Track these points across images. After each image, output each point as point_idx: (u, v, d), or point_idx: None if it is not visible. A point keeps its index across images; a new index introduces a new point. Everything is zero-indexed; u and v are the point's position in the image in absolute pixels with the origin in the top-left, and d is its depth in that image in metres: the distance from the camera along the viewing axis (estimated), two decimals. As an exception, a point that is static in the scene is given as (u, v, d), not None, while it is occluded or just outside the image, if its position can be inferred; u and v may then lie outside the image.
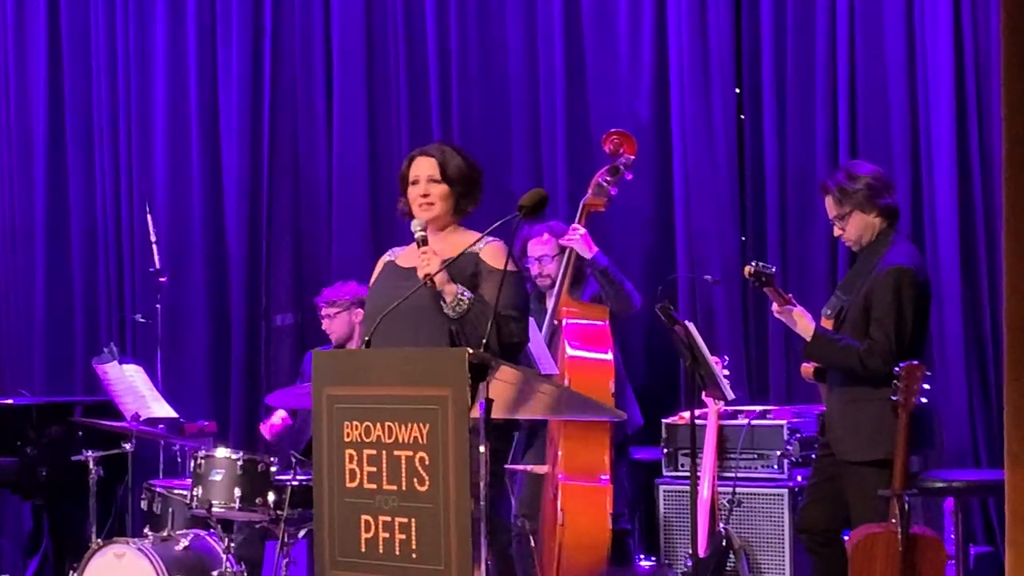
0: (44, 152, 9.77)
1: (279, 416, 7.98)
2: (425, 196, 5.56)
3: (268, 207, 9.37)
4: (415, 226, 5.46)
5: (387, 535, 4.33)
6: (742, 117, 8.39)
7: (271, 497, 6.95)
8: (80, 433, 8.12)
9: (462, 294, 5.32)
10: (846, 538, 6.10)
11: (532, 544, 7.00)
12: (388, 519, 4.33)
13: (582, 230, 7.19)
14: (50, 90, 9.81)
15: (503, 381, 4.39)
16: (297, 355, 8.93)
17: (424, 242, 5.41)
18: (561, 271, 7.22)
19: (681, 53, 8.35)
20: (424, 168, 5.60)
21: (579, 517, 6.84)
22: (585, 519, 6.85)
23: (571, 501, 6.82)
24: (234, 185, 9.37)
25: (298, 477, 7.05)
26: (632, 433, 7.46)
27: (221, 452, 7.05)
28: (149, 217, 8.58)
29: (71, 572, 7.16)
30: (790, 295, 6.21)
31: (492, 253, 5.44)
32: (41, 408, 8.51)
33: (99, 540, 7.23)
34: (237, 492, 6.91)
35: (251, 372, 9.31)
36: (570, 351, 6.95)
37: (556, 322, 7.08)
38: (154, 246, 8.45)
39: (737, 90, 8.38)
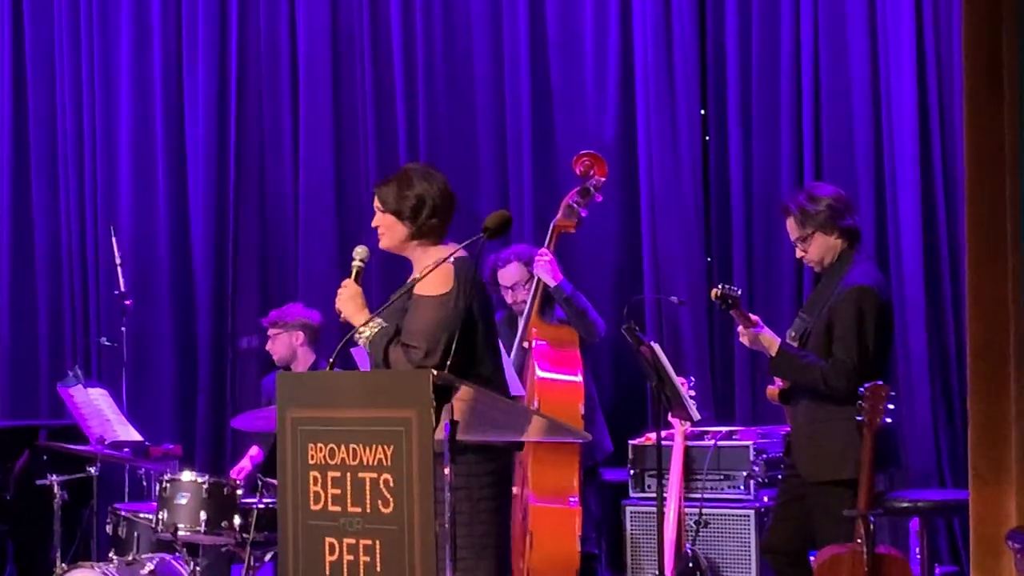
0: (8, 175, 9.75)
1: (247, 459, 7.98)
2: (376, 227, 5.57)
3: (234, 229, 9.35)
4: (357, 256, 5.50)
5: (351, 557, 4.31)
6: (707, 138, 8.42)
7: (237, 520, 6.92)
8: (45, 457, 8.08)
9: (364, 326, 5.33)
10: (812, 558, 6.10)
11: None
12: (352, 541, 4.32)
13: (547, 256, 7.20)
14: (15, 113, 9.79)
15: (468, 402, 4.38)
16: (262, 378, 8.91)
17: (358, 274, 5.45)
18: (530, 296, 7.23)
19: (647, 74, 8.38)
20: (375, 200, 5.59)
21: (548, 539, 6.84)
22: (554, 541, 6.85)
23: (540, 523, 6.82)
24: (200, 207, 9.36)
25: (264, 500, 7.04)
26: (602, 459, 7.47)
27: (187, 475, 7.02)
28: (114, 240, 8.55)
29: (37, 597, 7.14)
30: (756, 317, 6.23)
31: (425, 280, 5.35)
32: (5, 432, 8.48)
33: (64, 564, 7.19)
34: (203, 515, 6.88)
35: (217, 395, 9.29)
36: (540, 372, 6.95)
37: (526, 345, 7.09)
38: (119, 268, 8.42)
39: (702, 111, 8.41)
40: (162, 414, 9.27)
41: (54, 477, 7.48)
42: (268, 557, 7.12)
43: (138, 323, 8.97)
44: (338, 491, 4.35)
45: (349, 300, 5.45)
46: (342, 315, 5.45)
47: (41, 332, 9.67)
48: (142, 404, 8.89)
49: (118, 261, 8.44)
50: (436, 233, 5.51)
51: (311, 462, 4.42)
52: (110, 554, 7.32)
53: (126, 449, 7.72)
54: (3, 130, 9.77)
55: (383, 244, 5.57)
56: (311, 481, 4.41)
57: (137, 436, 7.81)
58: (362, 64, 9.14)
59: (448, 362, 5.01)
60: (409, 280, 5.39)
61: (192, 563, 7.04)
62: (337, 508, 4.35)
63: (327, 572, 4.36)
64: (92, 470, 7.54)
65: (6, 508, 8.20)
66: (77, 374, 7.93)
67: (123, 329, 8.45)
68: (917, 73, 7.82)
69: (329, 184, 9.18)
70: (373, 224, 5.57)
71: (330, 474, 4.37)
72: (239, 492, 7.03)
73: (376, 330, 5.34)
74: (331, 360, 4.77)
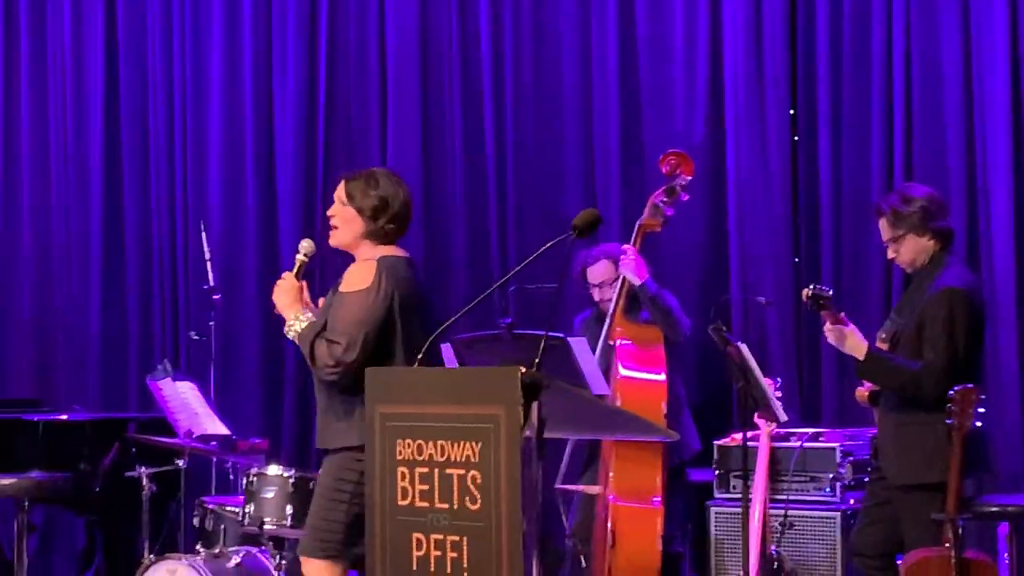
0: (100, 171, 9.85)
1: None
2: (331, 218, 5.65)
3: (321, 226, 9.38)
4: (301, 249, 5.65)
5: (439, 553, 4.32)
6: (796, 139, 8.37)
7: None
8: (133, 449, 8.15)
9: (294, 320, 5.46)
10: (899, 562, 6.06)
11: (583, 565, 6.99)
12: (440, 537, 4.32)
13: (632, 255, 7.18)
14: (106, 109, 9.89)
15: (554, 400, 4.38)
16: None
17: (300, 269, 5.57)
18: (615, 294, 7.21)
19: (736, 74, 8.34)
20: (337, 191, 5.66)
21: (629, 539, 6.82)
22: (635, 541, 6.83)
23: (621, 522, 6.80)
24: (288, 203, 9.42)
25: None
26: (689, 458, 7.44)
27: (273, 469, 7.06)
28: (204, 235, 8.62)
29: (124, 587, 7.21)
30: (844, 316, 6.18)
31: (347, 277, 5.50)
32: (96, 424, 8.55)
33: (151, 556, 7.26)
34: (289, 509, 6.92)
35: (303, 389, 9.32)
36: (623, 371, 6.94)
37: (610, 343, 7.08)
38: (208, 263, 8.49)
39: (792, 111, 8.36)
40: (249, 408, 9.33)
41: (143, 469, 7.56)
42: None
43: (226, 317, 9.03)
44: (426, 487, 4.36)
45: (284, 293, 5.58)
46: (275, 307, 5.57)
47: (131, 326, 9.77)
48: (229, 398, 8.95)
49: (207, 256, 8.51)
50: (388, 238, 5.60)
51: (399, 458, 4.43)
52: (197, 546, 7.39)
53: (213, 443, 7.78)
54: (95, 126, 9.88)
55: (335, 239, 5.65)
56: (399, 477, 4.42)
57: (224, 430, 7.87)
58: (450, 66, 9.15)
59: (366, 356, 5.25)
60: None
61: (278, 557, 7.09)
62: (425, 504, 4.36)
63: (414, 568, 4.37)
64: (180, 463, 7.61)
65: (95, 499, 8.27)
66: (166, 367, 8.00)
67: (211, 323, 8.51)
68: (1011, 73, 7.73)
69: (416, 185, 9.19)
70: (329, 213, 5.64)
71: (418, 470, 4.38)
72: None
73: (305, 324, 5.46)
74: (419, 356, 4.79)
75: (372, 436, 4.50)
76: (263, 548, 7.18)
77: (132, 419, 8.59)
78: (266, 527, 6.96)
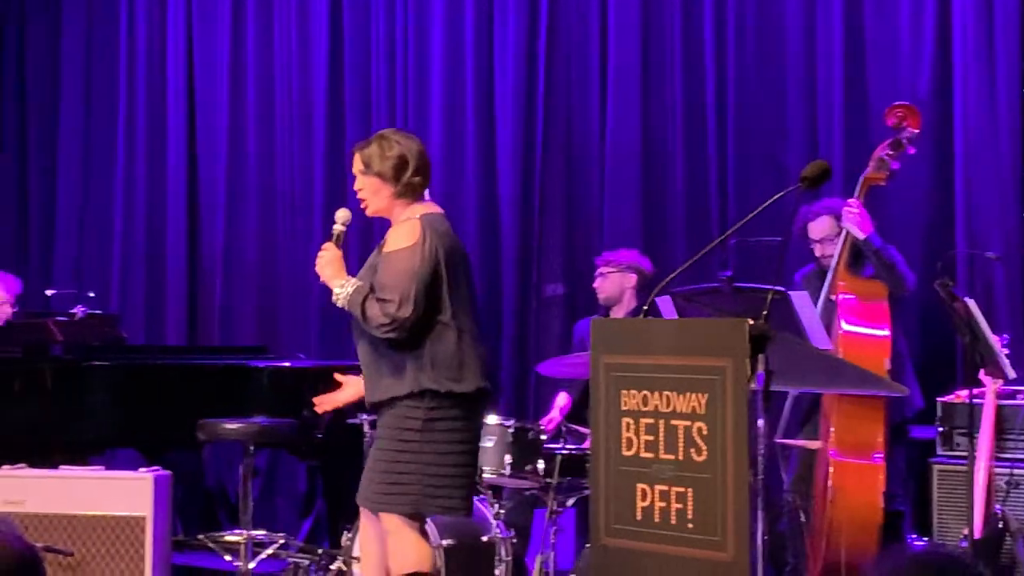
0: (324, 131, 9.98)
1: (557, 410, 8.05)
2: (358, 191, 5.78)
3: (541, 181, 9.43)
4: (339, 219, 5.79)
5: (663, 504, 4.32)
6: (1026, 89, 8.18)
7: (540, 465, 7.01)
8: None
9: (341, 287, 5.62)
10: None
11: (803, 520, 6.93)
12: (664, 488, 4.32)
13: (856, 208, 7.07)
14: (330, 68, 10.01)
15: (780, 353, 4.35)
16: (567, 325, 8.98)
17: (339, 238, 5.71)
18: (838, 248, 7.12)
19: (965, 25, 8.16)
20: (354, 164, 5.78)
21: (850, 495, 6.74)
22: (856, 497, 6.75)
23: (842, 478, 6.73)
24: (508, 159, 9.46)
25: (568, 446, 7.11)
26: (911, 415, 7.33)
27: (492, 419, 7.12)
28: (426, 192, 8.67)
29: (344, 532, 7.32)
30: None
31: (390, 237, 5.67)
32: (318, 371, 8.67)
33: (373, 502, 7.36)
34: (507, 459, 6.99)
35: (521, 341, 9.40)
36: (845, 326, 6.84)
37: (832, 298, 6.99)
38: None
39: (1022, 61, 8.15)
40: (467, 359, 9.40)
41: (364, 416, 7.66)
42: (571, 502, 7.20)
43: (446, 271, 9.10)
44: (651, 438, 4.36)
45: (327, 263, 5.70)
46: (321, 278, 5.70)
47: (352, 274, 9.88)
48: (449, 349, 9.03)
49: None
50: (417, 191, 5.73)
51: (624, 408, 4.44)
52: (417, 494, 7.48)
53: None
54: (319, 84, 10.00)
55: (369, 210, 5.80)
56: (623, 427, 4.43)
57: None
58: (672, 15, 9.09)
59: (420, 310, 5.47)
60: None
61: (496, 505, 7.15)
62: (649, 455, 4.37)
63: (638, 518, 4.38)
64: (401, 411, 7.70)
65: (318, 445, 8.40)
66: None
67: (432, 276, 8.58)
68: None
69: (636, 138, 9.17)
70: (356, 187, 5.76)
71: (643, 421, 4.39)
72: (543, 437, 7.11)
73: (351, 289, 5.60)
74: (644, 308, 4.79)
75: (596, 386, 4.51)
76: (482, 496, 7.25)
77: (354, 366, 8.68)
78: (485, 476, 7.04)
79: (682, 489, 4.28)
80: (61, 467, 7.60)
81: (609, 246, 8.71)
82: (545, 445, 7.07)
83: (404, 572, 5.64)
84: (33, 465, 7.63)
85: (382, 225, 5.93)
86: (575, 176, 9.44)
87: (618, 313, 8.05)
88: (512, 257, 9.44)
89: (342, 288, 5.64)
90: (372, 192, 5.73)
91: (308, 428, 8.33)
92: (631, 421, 4.41)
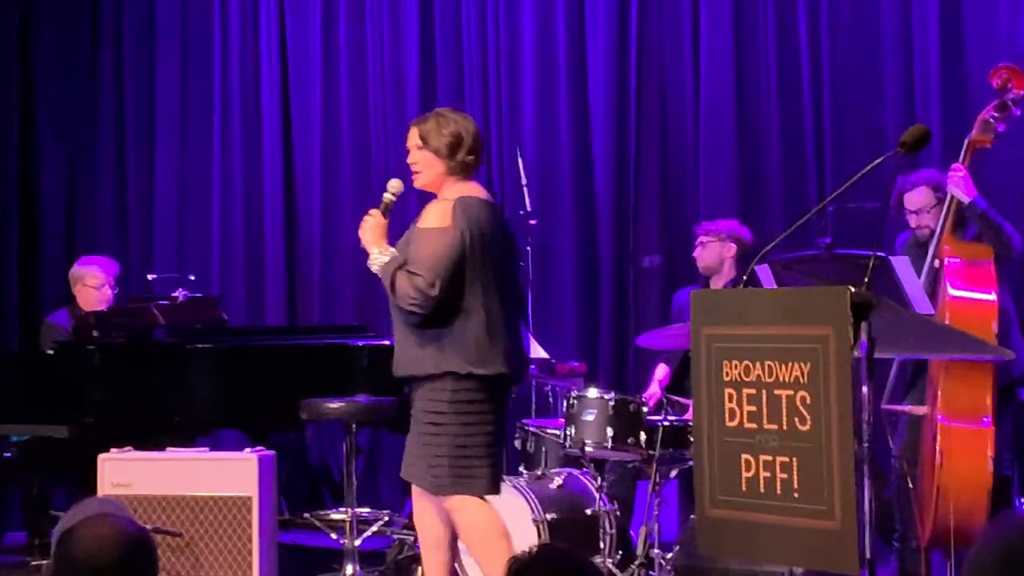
0: (417, 98, 9.99)
1: (656, 384, 8.02)
2: (412, 165, 5.94)
3: (635, 148, 9.40)
4: (389, 189, 5.96)
5: (768, 474, 4.30)
6: None
7: (643, 437, 6.99)
8: (455, 373, 8.27)
9: (378, 254, 5.82)
10: None
11: (911, 487, 6.87)
12: (769, 458, 4.30)
13: (961, 172, 6.99)
14: (422, 44, 10.01)
15: (883, 319, 4.31)
16: (665, 295, 8.95)
17: (387, 207, 5.89)
18: (943, 213, 7.04)
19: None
20: (410, 138, 5.94)
21: (958, 460, 6.67)
22: (964, 462, 6.67)
23: (950, 443, 6.65)
24: (601, 126, 9.44)
25: (669, 417, 7.09)
26: (1020, 378, 7.23)
27: (593, 392, 7.13)
28: (520, 160, 8.69)
29: (449, 509, 7.34)
30: None
31: (425, 214, 5.87)
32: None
33: (475, 478, 7.38)
34: (609, 432, 6.98)
35: (620, 313, 9.38)
36: (951, 291, 6.76)
37: (937, 263, 6.92)
38: (525, 189, 8.56)
39: None
40: (566, 331, 9.41)
41: (464, 393, 7.69)
42: (673, 474, 7.18)
43: (542, 242, 9.10)
44: (754, 408, 4.34)
45: (370, 229, 5.90)
46: (362, 242, 5.90)
47: (450, 253, 9.90)
48: (547, 321, 9.04)
49: (524, 182, 8.57)
50: (469, 169, 5.94)
51: (726, 379, 4.42)
52: (519, 468, 7.50)
53: (532, 366, 7.87)
54: (411, 54, 10.01)
55: (419, 182, 5.96)
56: (726, 398, 4.41)
57: (543, 354, 7.95)
58: (764, -23, 9.05)
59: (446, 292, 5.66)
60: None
61: (599, 478, 7.15)
62: (753, 425, 4.35)
63: (743, 489, 4.36)
64: (502, 387, 7.72)
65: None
66: (485, 293, 8.10)
67: (528, 249, 8.59)
68: None
69: (729, 102, 9.12)
70: (409, 161, 5.93)
71: (745, 391, 4.36)
72: (644, 409, 7.10)
73: (387, 258, 5.80)
74: (744, 277, 4.77)
75: (698, 358, 4.49)
76: (584, 470, 7.26)
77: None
78: (587, 449, 7.03)
79: (787, 459, 4.26)
80: (167, 449, 7.69)
81: (705, 215, 8.67)
82: (647, 417, 7.05)
83: (473, 539, 5.92)
84: (140, 448, 7.72)
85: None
86: (669, 145, 9.40)
87: (717, 283, 8.02)
88: (608, 228, 9.42)
89: (379, 255, 5.83)
90: (425, 166, 5.91)
91: (408, 405, 8.34)
92: (734, 392, 4.39)
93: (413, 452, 5.91)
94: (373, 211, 5.93)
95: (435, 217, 5.81)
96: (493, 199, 6.09)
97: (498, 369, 5.79)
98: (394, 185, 5.98)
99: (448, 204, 5.80)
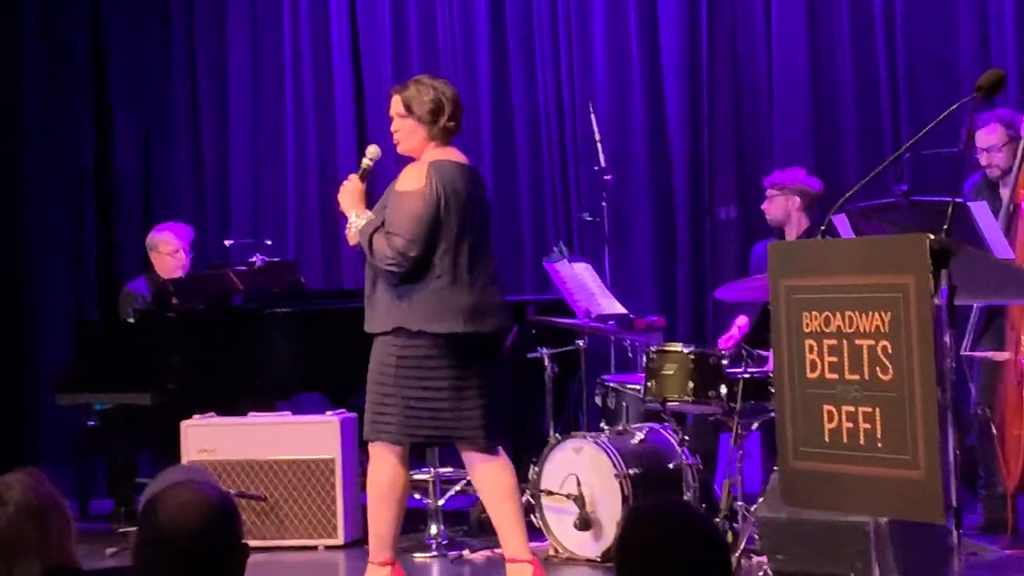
0: (488, 55, 9.95)
1: (736, 328, 7.99)
2: (395, 132, 6.16)
3: (708, 101, 9.35)
4: (368, 154, 6.22)
5: (851, 425, 4.28)
6: None
7: (723, 390, 6.97)
8: (534, 331, 8.27)
9: (355, 218, 6.06)
10: None
11: (992, 432, 6.83)
12: (851, 409, 4.28)
13: (1033, 112, 6.92)
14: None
15: (963, 266, 4.27)
16: (743, 248, 8.92)
17: (364, 172, 6.15)
18: (1019, 155, 6.96)
19: None
20: (393, 106, 6.17)
21: (1043, 404, 6.64)
22: (1048, 406, 6.64)
23: (1035, 388, 6.61)
24: (674, 80, 9.38)
25: (749, 370, 7.06)
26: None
27: (672, 346, 7.11)
28: (593, 115, 8.66)
29: (531, 467, 7.36)
30: None
31: (402, 177, 6.09)
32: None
33: (556, 435, 7.40)
34: (690, 385, 6.96)
35: (696, 266, 9.35)
36: (1030, 232, 6.71)
37: (1012, 206, 6.85)
38: (599, 144, 8.53)
39: None
40: (643, 286, 9.39)
41: (544, 350, 7.70)
42: (755, 426, 7.15)
43: (617, 197, 9.08)
44: (835, 359, 4.32)
45: (348, 194, 6.15)
46: (340, 206, 6.15)
47: (523, 210, 9.90)
48: (624, 277, 9.02)
49: (597, 137, 8.54)
50: (449, 135, 6.14)
51: (806, 330, 4.39)
52: (600, 424, 7.51)
53: (611, 322, 7.87)
54: (481, 11, 9.97)
55: (401, 148, 6.19)
56: (807, 349, 4.39)
57: (621, 309, 7.94)
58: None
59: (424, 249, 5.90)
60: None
61: (680, 432, 7.14)
62: (834, 376, 4.32)
63: (826, 440, 4.34)
64: (580, 343, 7.73)
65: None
66: (562, 249, 8.10)
67: (603, 204, 8.57)
68: None
69: (802, 52, 9.05)
70: (392, 129, 6.14)
71: (826, 342, 4.34)
72: (724, 362, 7.07)
73: (364, 220, 6.02)
74: (822, 228, 4.73)
75: (777, 309, 4.47)
76: (666, 424, 7.25)
77: (531, 301, 8.72)
78: (668, 403, 7.02)
79: (869, 409, 4.24)
80: (249, 414, 7.74)
81: (779, 164, 8.61)
82: (727, 370, 7.03)
83: (373, 491, 6.16)
84: (222, 414, 7.78)
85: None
86: (742, 95, 9.35)
87: (790, 234, 7.95)
88: (683, 181, 9.39)
89: (356, 219, 6.07)
90: (408, 133, 6.14)
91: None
92: (814, 343, 4.37)
93: (368, 406, 6.19)
94: (352, 176, 6.19)
95: (411, 180, 6.03)
96: (469, 163, 6.29)
97: (453, 328, 5.99)
98: (372, 151, 6.24)
99: (423, 167, 6.02)
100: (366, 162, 6.23)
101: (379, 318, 6.09)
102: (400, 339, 6.02)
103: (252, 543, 3.20)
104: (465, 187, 6.09)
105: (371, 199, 6.25)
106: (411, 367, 6.02)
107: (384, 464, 6.14)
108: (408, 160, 6.20)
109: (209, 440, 7.62)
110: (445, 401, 6.07)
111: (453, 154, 6.15)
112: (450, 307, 6.00)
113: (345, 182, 6.19)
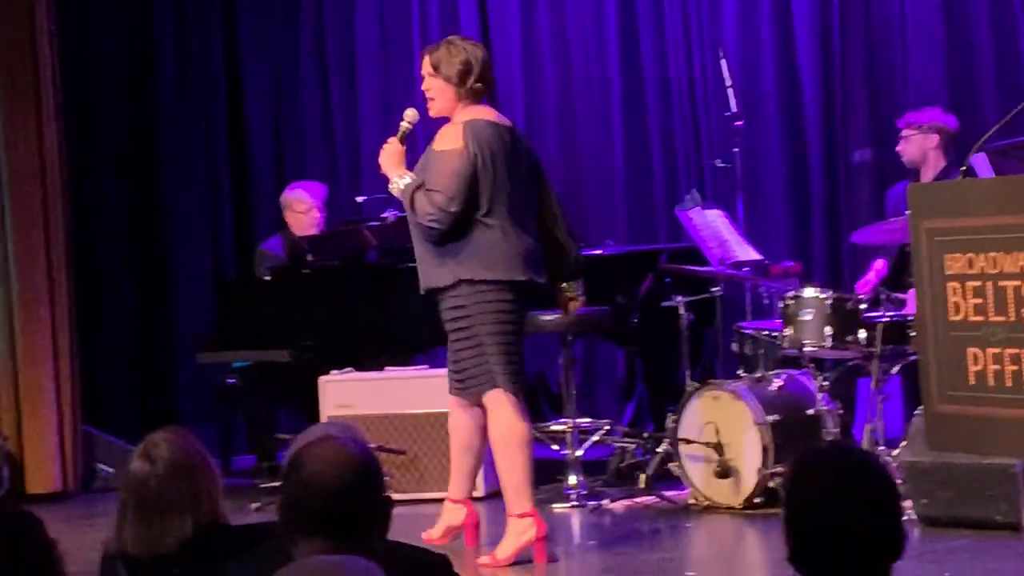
0: (615, 3, 9.88)
1: (873, 272, 7.90)
2: (426, 91, 6.31)
3: (840, 42, 9.22)
4: (406, 118, 6.38)
5: (997, 367, 4.22)
6: None
7: (862, 334, 6.90)
8: (668, 280, 8.24)
9: (397, 178, 6.22)
10: None
11: None
12: (997, 351, 4.22)
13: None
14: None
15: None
16: (877, 191, 8.79)
17: (403, 135, 6.29)
18: None
19: None
20: (423, 67, 6.31)
21: None
22: None
23: None
24: (805, 23, 9.26)
25: (888, 313, 6.98)
26: None
27: (809, 292, 7.06)
28: (723, 62, 8.57)
29: (669, 415, 7.35)
30: None
31: (438, 137, 6.26)
32: (628, 257, 8.70)
33: (694, 384, 7.38)
34: (827, 331, 6.91)
35: (831, 210, 9.24)
36: None
37: None
38: (729, 90, 8.44)
39: None
40: (777, 232, 9.30)
41: (678, 299, 7.68)
42: (895, 370, 7.08)
43: (749, 143, 8.97)
44: (979, 301, 4.25)
45: (388, 156, 6.29)
46: (381, 168, 6.31)
47: (654, 158, 9.83)
48: (757, 223, 8.93)
49: (728, 83, 8.46)
50: (479, 95, 6.25)
51: (948, 273, 4.33)
52: (738, 372, 7.47)
53: (746, 268, 7.81)
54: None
55: (433, 110, 6.35)
56: (949, 292, 4.33)
57: (756, 255, 7.89)
58: None
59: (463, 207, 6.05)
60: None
61: (819, 378, 7.08)
62: (979, 318, 4.26)
63: (971, 382, 4.28)
64: (715, 290, 7.69)
65: (634, 331, 8.41)
66: (694, 197, 8.06)
67: (735, 150, 8.48)
68: None
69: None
70: (424, 87, 6.35)
71: (969, 284, 4.28)
72: (862, 307, 7.00)
73: (407, 180, 6.18)
74: (963, 167, 4.65)
75: (918, 252, 4.41)
76: (804, 370, 7.19)
77: (664, 250, 8.68)
78: (806, 349, 6.98)
79: (1016, 351, 4.17)
80: (386, 369, 7.79)
81: (914, 105, 8.48)
82: (864, 314, 6.96)
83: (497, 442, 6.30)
84: (360, 369, 7.84)
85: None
86: (874, 35, 9.20)
87: (927, 175, 7.82)
88: (816, 125, 9.28)
89: (398, 180, 6.22)
90: (438, 93, 6.28)
91: (623, 314, 8.35)
92: (957, 285, 4.31)
93: (451, 360, 6.32)
94: (391, 139, 6.32)
95: (448, 140, 6.19)
96: (505, 121, 6.36)
97: (514, 275, 6.13)
98: (410, 114, 6.40)
99: (459, 127, 6.17)
100: (404, 125, 6.37)
101: (436, 274, 6.22)
102: (464, 289, 6.15)
103: (393, 496, 3.21)
104: (500, 143, 6.21)
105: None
106: (484, 313, 6.15)
107: (500, 413, 6.23)
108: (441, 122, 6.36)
109: (347, 395, 7.69)
110: (514, 346, 6.24)
111: (486, 112, 6.29)
112: (510, 256, 6.14)
113: (385, 145, 6.33)
